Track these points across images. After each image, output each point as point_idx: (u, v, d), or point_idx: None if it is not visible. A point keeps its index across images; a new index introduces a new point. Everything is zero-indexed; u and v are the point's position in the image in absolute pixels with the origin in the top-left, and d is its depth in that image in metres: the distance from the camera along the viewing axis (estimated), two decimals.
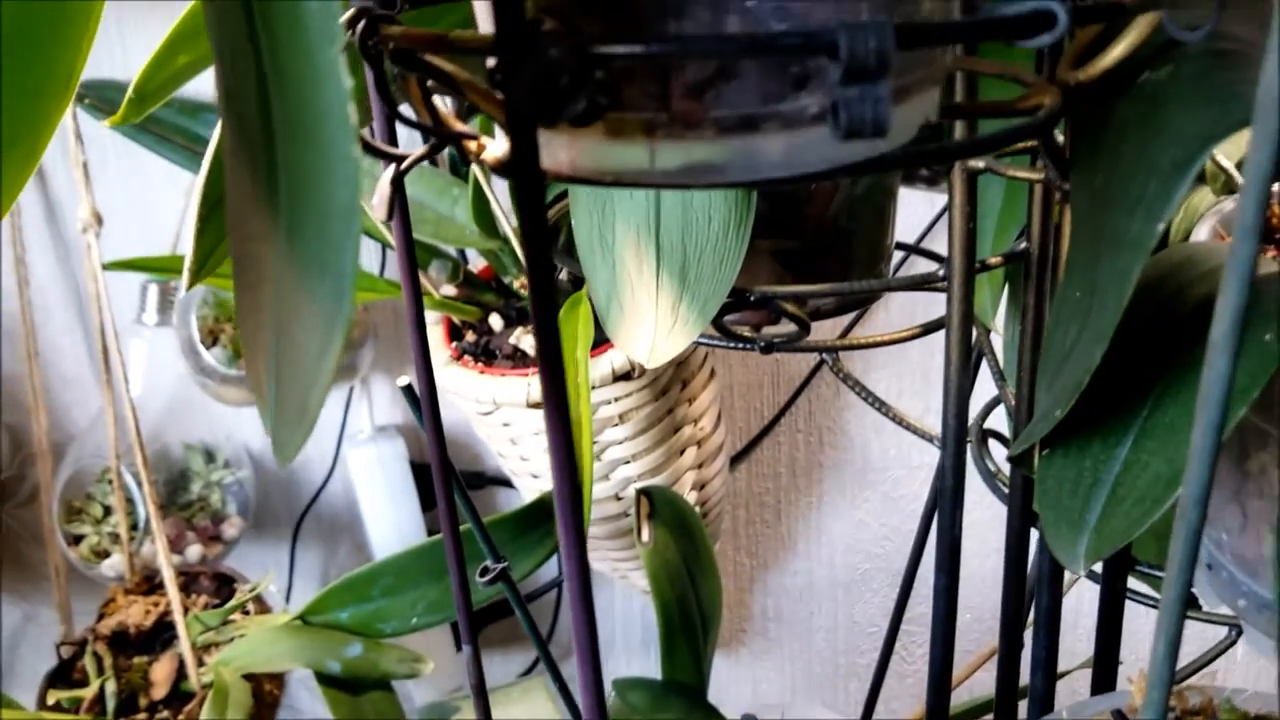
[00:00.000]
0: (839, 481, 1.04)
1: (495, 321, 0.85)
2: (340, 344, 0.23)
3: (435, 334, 0.86)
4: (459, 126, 0.32)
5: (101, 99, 0.87)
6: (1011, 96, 0.38)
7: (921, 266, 0.86)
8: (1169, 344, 0.41)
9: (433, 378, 0.53)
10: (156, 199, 0.97)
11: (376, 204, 0.32)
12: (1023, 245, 0.53)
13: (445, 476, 0.48)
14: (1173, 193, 0.31)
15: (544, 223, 0.28)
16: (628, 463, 0.81)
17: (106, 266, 0.76)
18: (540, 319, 0.28)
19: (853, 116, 0.25)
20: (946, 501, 0.53)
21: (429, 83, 0.31)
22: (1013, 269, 0.60)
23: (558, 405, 0.28)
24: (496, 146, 0.31)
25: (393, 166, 0.32)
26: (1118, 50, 0.31)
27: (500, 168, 0.31)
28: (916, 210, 0.82)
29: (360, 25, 0.29)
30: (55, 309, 1.01)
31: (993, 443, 0.62)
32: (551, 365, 0.28)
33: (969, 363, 0.52)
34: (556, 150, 0.30)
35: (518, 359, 0.81)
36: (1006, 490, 0.59)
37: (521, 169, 0.27)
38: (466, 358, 0.82)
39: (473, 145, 0.32)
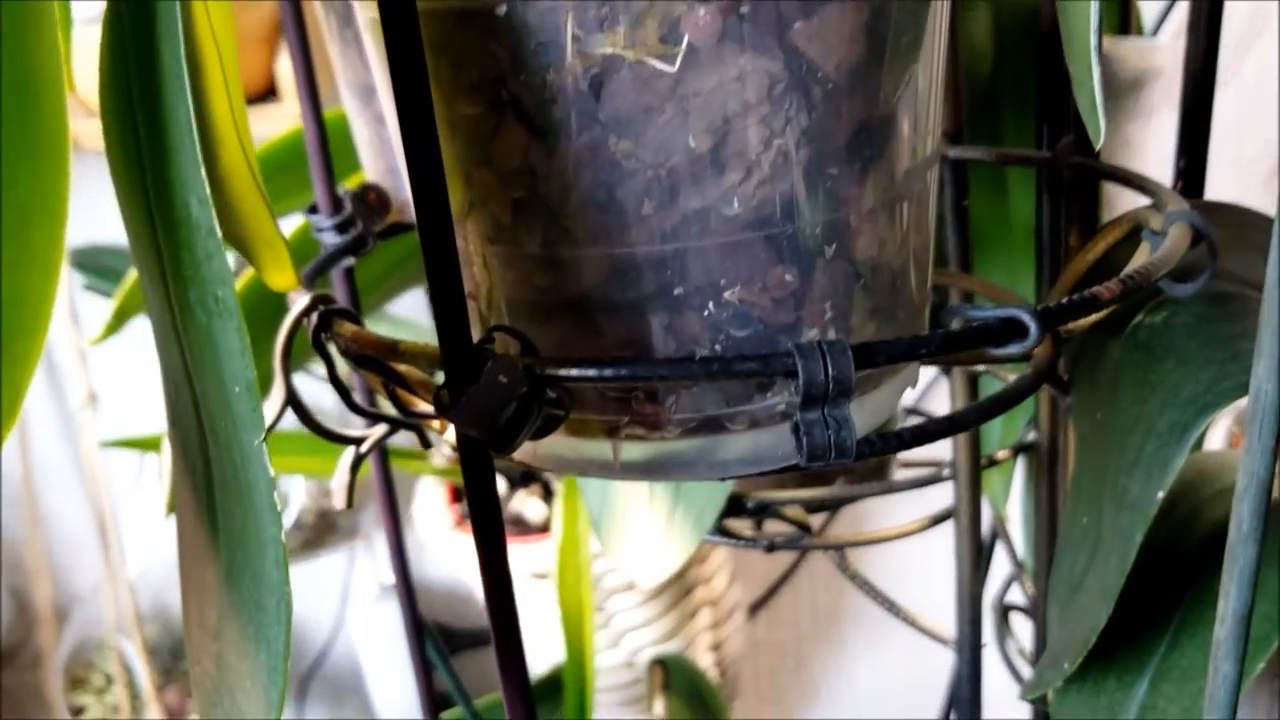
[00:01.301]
0: (862, 627, 1.01)
1: (498, 484, 0.83)
2: None
3: (439, 496, 0.85)
4: (421, 405, 0.30)
5: (100, 266, 0.87)
6: None
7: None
8: (1185, 573, 0.38)
9: (411, 585, 0.52)
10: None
11: (336, 489, 0.31)
12: (1031, 436, 0.51)
13: (429, 696, 0.46)
14: (1171, 461, 0.29)
15: (498, 520, 0.26)
16: (638, 629, 0.79)
17: (104, 444, 0.75)
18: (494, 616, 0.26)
19: (814, 442, 0.23)
20: (964, 712, 0.51)
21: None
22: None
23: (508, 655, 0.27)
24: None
25: (351, 451, 0.31)
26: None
27: None
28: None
29: (314, 319, 0.28)
30: (57, 473, 1.00)
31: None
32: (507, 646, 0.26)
33: (979, 565, 0.50)
34: None
35: (520, 525, 0.79)
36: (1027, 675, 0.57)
37: (474, 490, 0.25)
38: (469, 523, 0.81)
39: (435, 425, 0.31)
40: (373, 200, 0.39)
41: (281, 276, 0.27)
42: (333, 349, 0.29)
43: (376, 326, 0.72)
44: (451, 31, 0.24)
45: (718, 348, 0.25)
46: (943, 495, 0.54)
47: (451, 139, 0.25)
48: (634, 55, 0.23)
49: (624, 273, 0.25)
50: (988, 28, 0.51)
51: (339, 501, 0.30)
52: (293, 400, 0.29)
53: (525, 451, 0.29)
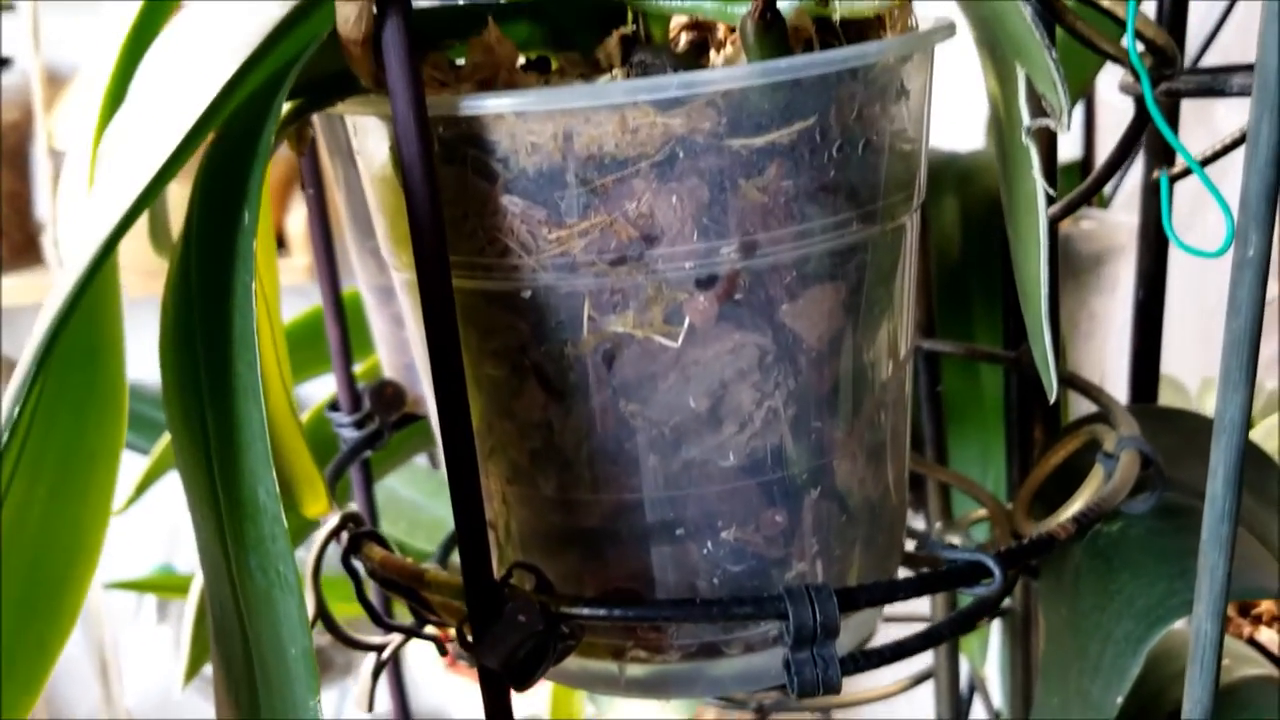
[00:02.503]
0: None
1: None
2: None
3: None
4: (434, 616, 0.33)
5: None
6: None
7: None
8: None
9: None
10: (161, 496, 0.98)
11: (359, 695, 0.33)
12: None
13: None
14: (1128, 670, 0.32)
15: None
16: None
17: (107, 586, 0.77)
18: None
19: (804, 680, 0.26)
20: None
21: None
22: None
23: None
24: None
25: (373, 657, 0.33)
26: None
27: None
28: None
29: (344, 539, 0.31)
30: None
31: None
32: None
33: None
34: None
35: None
36: None
37: (493, 710, 0.28)
38: (461, 663, 0.82)
39: (450, 632, 0.33)
40: (390, 394, 0.42)
41: (318, 506, 0.30)
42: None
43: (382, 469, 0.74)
44: (482, 307, 0.27)
45: (715, 580, 0.28)
46: (923, 655, 0.56)
47: (477, 393, 0.28)
48: (642, 333, 0.26)
49: (630, 514, 0.28)
50: (955, 215, 0.55)
51: (361, 705, 0.33)
52: (323, 614, 0.31)
53: None
